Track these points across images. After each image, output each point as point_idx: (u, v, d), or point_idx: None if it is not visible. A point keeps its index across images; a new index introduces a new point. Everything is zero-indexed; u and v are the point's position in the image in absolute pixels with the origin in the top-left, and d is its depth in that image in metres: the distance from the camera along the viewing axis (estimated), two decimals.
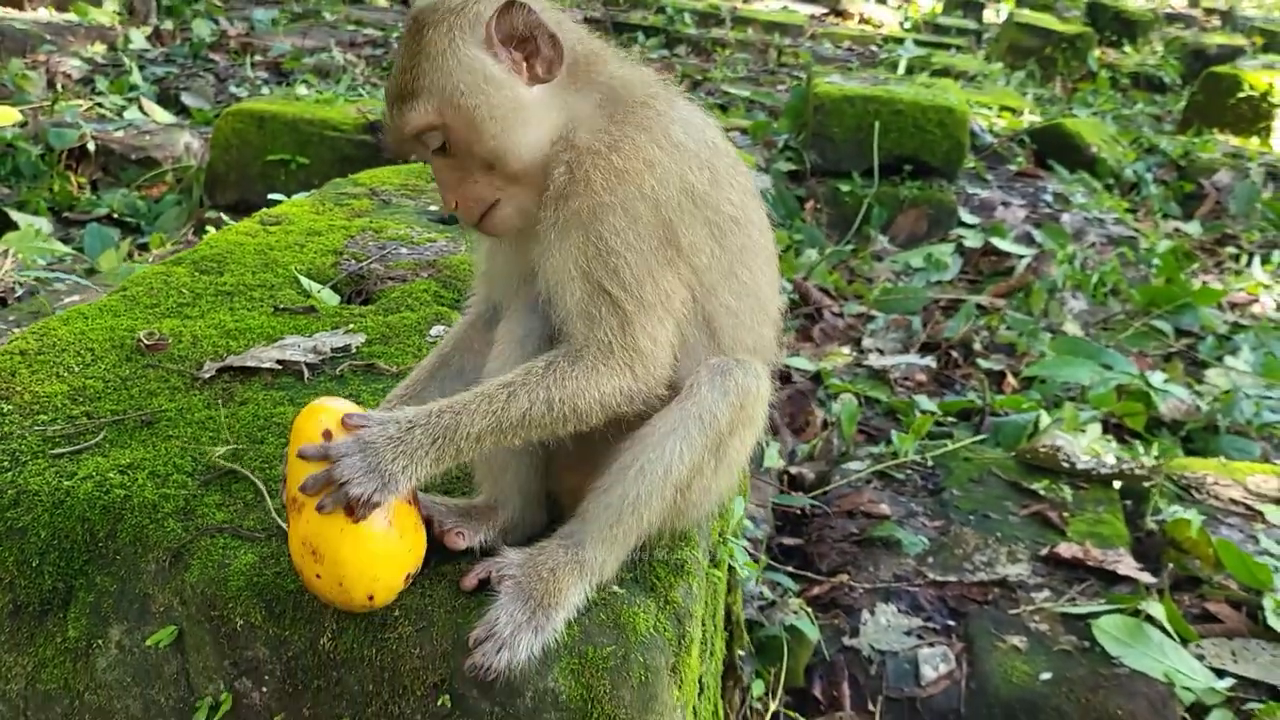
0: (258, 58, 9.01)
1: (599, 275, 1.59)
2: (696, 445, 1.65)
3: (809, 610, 3.19)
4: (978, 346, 5.31)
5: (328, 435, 1.52)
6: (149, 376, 2.11)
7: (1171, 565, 3.38)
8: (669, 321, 1.65)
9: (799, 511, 3.82)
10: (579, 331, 1.60)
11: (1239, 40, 14.08)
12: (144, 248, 5.50)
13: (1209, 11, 18.54)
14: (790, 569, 3.49)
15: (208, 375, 2.13)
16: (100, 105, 7.33)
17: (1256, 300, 6.27)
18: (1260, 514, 3.69)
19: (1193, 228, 7.47)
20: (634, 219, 1.61)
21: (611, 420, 1.64)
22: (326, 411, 1.55)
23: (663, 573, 1.75)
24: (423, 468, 1.52)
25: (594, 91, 1.69)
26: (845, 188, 6.69)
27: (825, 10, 15.07)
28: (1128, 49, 14.05)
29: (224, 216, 4.58)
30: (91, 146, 6.38)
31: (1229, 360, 5.29)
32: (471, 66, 1.61)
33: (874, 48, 12.65)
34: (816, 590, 3.40)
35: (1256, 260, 6.83)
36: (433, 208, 3.29)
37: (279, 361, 2.19)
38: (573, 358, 1.60)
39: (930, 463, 4.01)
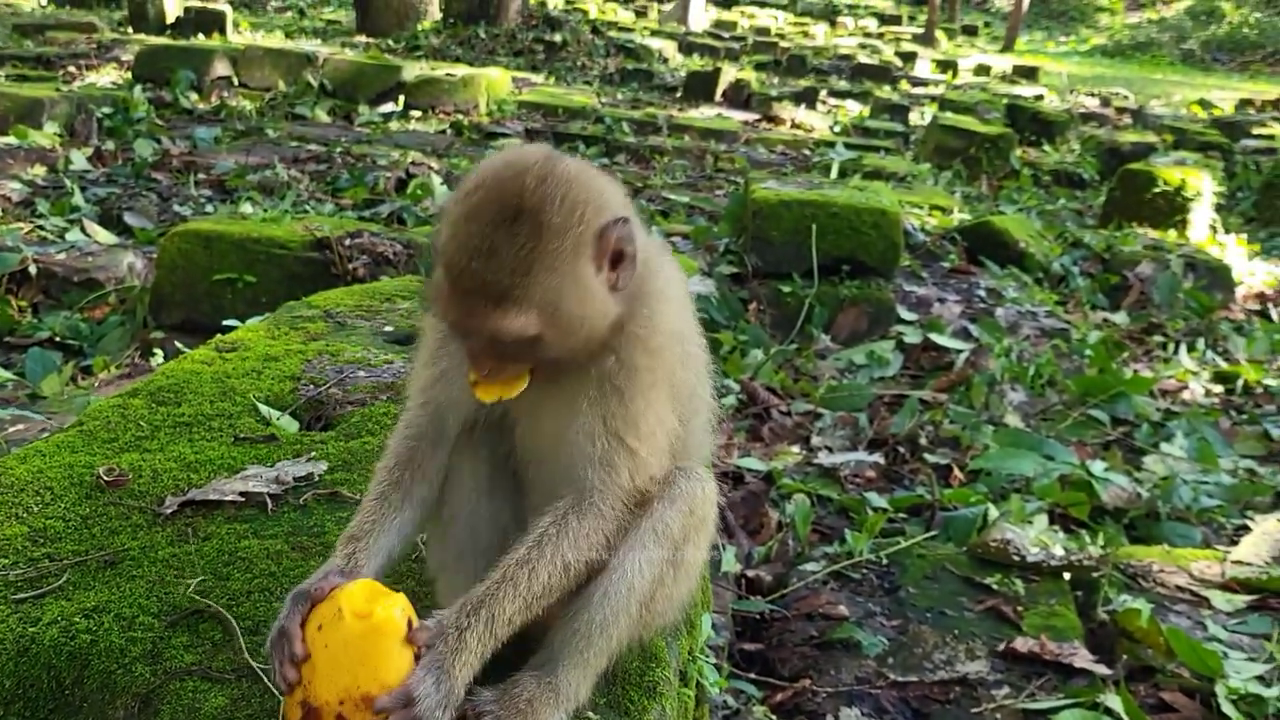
0: (201, 176, 9.06)
1: (622, 431, 1.66)
2: (655, 559, 1.70)
3: (774, 718, 3.19)
4: (923, 441, 5.42)
5: (413, 643, 1.54)
6: (110, 514, 2.10)
7: (1125, 655, 3.45)
8: (666, 457, 1.73)
9: (758, 616, 3.83)
10: (594, 478, 1.66)
11: (1150, 137, 14.81)
12: (87, 370, 5.45)
13: (1120, 110, 19.50)
14: (752, 676, 3.49)
15: (170, 511, 2.12)
16: (41, 228, 7.30)
17: (1186, 387, 6.50)
18: (1206, 600, 3.78)
19: (1120, 318, 7.75)
20: (656, 383, 1.68)
21: None
22: (397, 625, 1.55)
23: (635, 695, 1.76)
24: (475, 670, 1.57)
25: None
26: (786, 289, 6.85)
27: (758, 117, 15.58)
28: (1047, 148, 14.68)
29: (178, 343, 4.57)
30: (33, 269, 6.33)
31: (1165, 447, 5.46)
32: (585, 285, 1.57)
33: (806, 151, 13.07)
34: (780, 696, 3.40)
35: (1183, 348, 7.10)
36: (388, 328, 3.34)
37: (242, 493, 2.19)
38: (582, 511, 1.65)
39: (885, 561, 4.06)
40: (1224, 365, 6.93)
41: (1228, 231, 10.23)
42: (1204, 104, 21.26)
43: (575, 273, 1.55)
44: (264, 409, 2.62)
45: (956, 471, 5.14)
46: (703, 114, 15.16)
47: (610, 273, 1.61)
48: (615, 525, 1.68)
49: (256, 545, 2.03)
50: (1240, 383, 6.59)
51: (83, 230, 7.27)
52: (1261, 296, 8.66)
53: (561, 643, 1.68)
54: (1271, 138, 15.80)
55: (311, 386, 2.81)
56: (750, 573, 4.13)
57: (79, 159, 9.25)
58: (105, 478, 2.22)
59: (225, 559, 1.98)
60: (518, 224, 1.52)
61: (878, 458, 5.26)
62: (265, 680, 1.67)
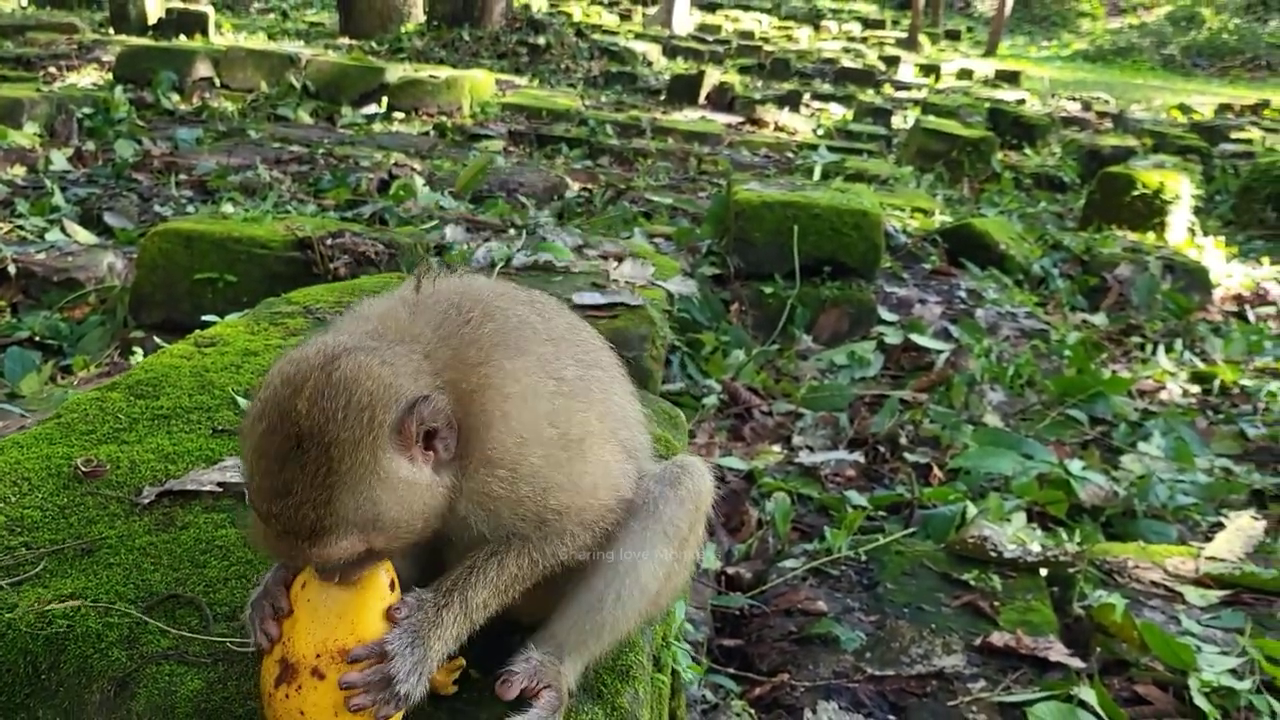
0: (182, 176, 9.02)
1: (538, 517, 1.63)
2: (666, 558, 1.75)
3: (751, 712, 3.21)
4: (903, 440, 5.46)
5: (391, 619, 1.55)
6: (88, 504, 2.11)
7: (1099, 649, 3.48)
8: (619, 480, 1.72)
9: (738, 612, 3.86)
10: (544, 536, 1.66)
11: (1130, 141, 14.92)
12: (67, 370, 5.43)
13: (1101, 115, 19.65)
14: (731, 670, 3.52)
15: (147, 500, 2.13)
16: (21, 227, 7.26)
17: (1163, 387, 6.56)
18: (1180, 595, 3.82)
19: (1099, 319, 7.82)
20: (537, 474, 1.60)
21: None
22: (380, 583, 1.56)
23: (609, 679, 1.78)
24: (449, 647, 1.58)
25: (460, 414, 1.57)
26: (768, 289, 6.89)
27: (741, 120, 15.64)
28: (1028, 151, 14.78)
29: (156, 338, 4.56)
30: (12, 269, 6.30)
31: (1142, 446, 5.52)
32: (401, 485, 1.47)
33: (789, 154, 13.12)
34: (758, 691, 3.42)
35: (1160, 349, 7.17)
36: None
37: (219, 484, 2.20)
38: (546, 539, 1.66)
39: (863, 557, 4.09)
40: (1201, 366, 6.99)
41: (1206, 234, 10.33)
42: (1183, 108, 21.45)
43: (384, 478, 1.45)
44: (242, 402, 2.62)
45: (936, 470, 5.18)
46: (686, 117, 15.20)
47: (426, 452, 1.51)
48: (587, 540, 1.69)
49: (233, 534, 2.04)
50: (1217, 383, 6.65)
51: (63, 230, 7.24)
52: (1238, 298, 8.75)
53: (568, 635, 1.71)
54: (1249, 142, 15.95)
55: None
56: (730, 569, 4.15)
57: (59, 159, 9.21)
58: (83, 468, 2.22)
59: (202, 547, 1.99)
60: (302, 452, 1.42)
61: (858, 457, 5.30)
62: (243, 655, 1.68)
